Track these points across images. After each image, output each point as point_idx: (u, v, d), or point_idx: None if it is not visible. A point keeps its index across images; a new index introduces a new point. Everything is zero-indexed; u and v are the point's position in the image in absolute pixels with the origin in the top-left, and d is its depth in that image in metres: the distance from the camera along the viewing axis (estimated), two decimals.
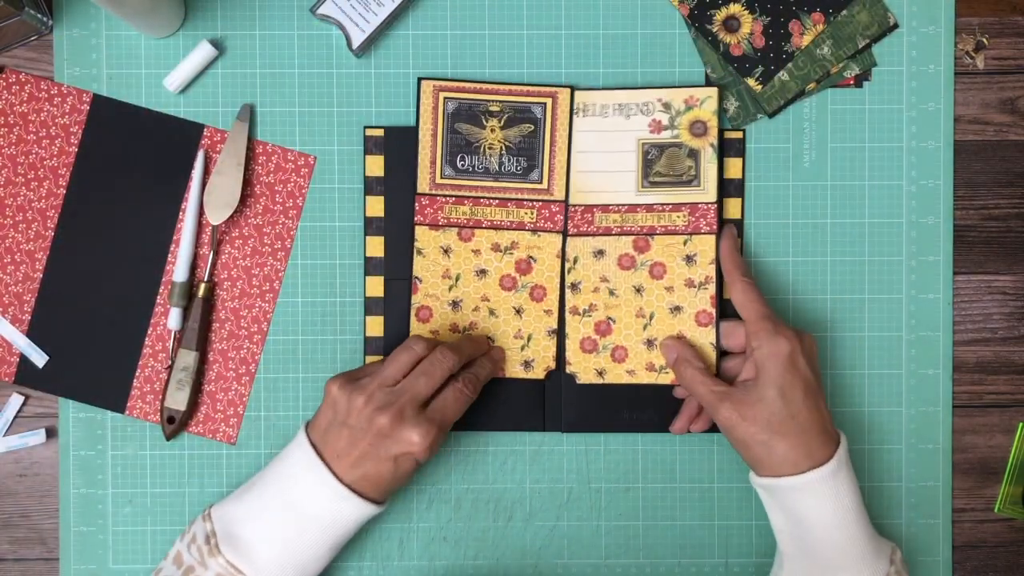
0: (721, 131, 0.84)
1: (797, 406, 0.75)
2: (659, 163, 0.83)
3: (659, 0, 0.85)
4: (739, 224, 0.84)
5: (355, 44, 0.83)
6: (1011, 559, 0.86)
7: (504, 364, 0.83)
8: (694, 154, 0.83)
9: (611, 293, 0.83)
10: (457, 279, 0.83)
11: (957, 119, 0.85)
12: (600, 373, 0.84)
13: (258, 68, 0.84)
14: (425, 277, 0.83)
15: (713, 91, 0.83)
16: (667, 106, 0.83)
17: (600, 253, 0.83)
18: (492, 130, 0.83)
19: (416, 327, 0.83)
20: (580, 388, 0.83)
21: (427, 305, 0.83)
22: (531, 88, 0.83)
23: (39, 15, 0.82)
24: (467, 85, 0.82)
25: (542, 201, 0.83)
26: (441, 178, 0.83)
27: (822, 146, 0.85)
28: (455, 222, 0.83)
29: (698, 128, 0.83)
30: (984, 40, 0.85)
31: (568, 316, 0.83)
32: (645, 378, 0.84)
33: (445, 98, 0.82)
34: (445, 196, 0.83)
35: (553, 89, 0.82)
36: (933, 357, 0.85)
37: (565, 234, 0.83)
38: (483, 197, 0.83)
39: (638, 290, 0.83)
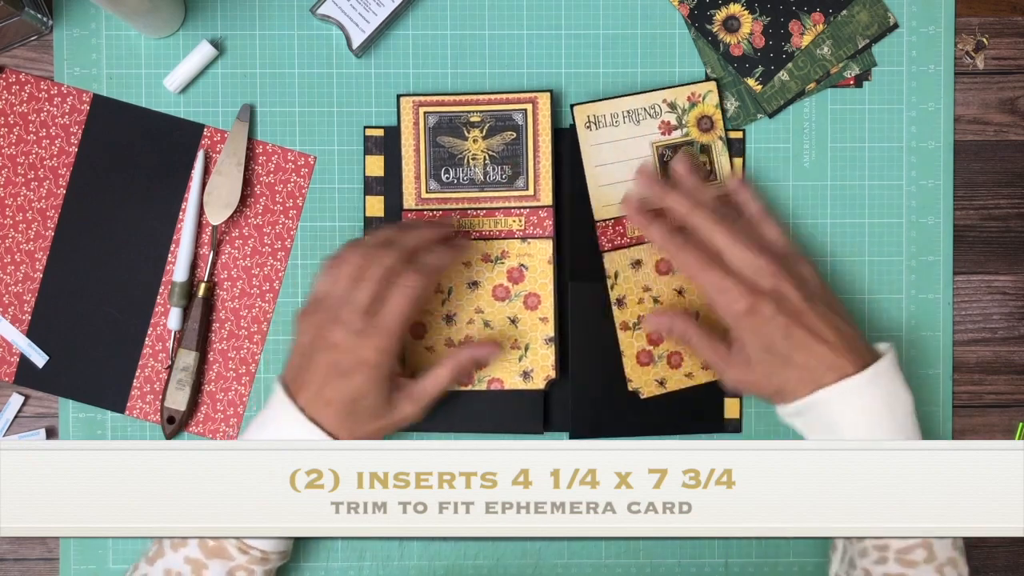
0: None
1: (784, 353, 0.73)
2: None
3: (659, 0, 0.85)
4: None
5: (355, 44, 0.83)
6: (1011, 559, 0.86)
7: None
8: (706, 149, 0.83)
9: (655, 301, 0.83)
10: (449, 293, 0.83)
11: (957, 119, 0.85)
12: (661, 383, 0.83)
13: (258, 68, 0.84)
14: None
15: (712, 85, 0.83)
16: (672, 106, 0.83)
17: (638, 264, 0.83)
18: (474, 140, 0.82)
19: (411, 344, 0.82)
20: (581, 394, 0.82)
21: (421, 321, 0.82)
22: (510, 96, 0.82)
23: (39, 15, 0.82)
24: (446, 98, 0.82)
25: (530, 208, 0.82)
26: (427, 192, 0.82)
27: (822, 146, 0.85)
28: None
29: (705, 123, 0.83)
30: (984, 40, 0.85)
31: (620, 333, 0.82)
32: (703, 378, 0.83)
33: (425, 112, 0.82)
34: (432, 210, 0.82)
35: (532, 95, 0.82)
36: (933, 357, 0.85)
37: (578, 242, 0.82)
38: (470, 208, 0.82)
39: (679, 292, 0.83)
